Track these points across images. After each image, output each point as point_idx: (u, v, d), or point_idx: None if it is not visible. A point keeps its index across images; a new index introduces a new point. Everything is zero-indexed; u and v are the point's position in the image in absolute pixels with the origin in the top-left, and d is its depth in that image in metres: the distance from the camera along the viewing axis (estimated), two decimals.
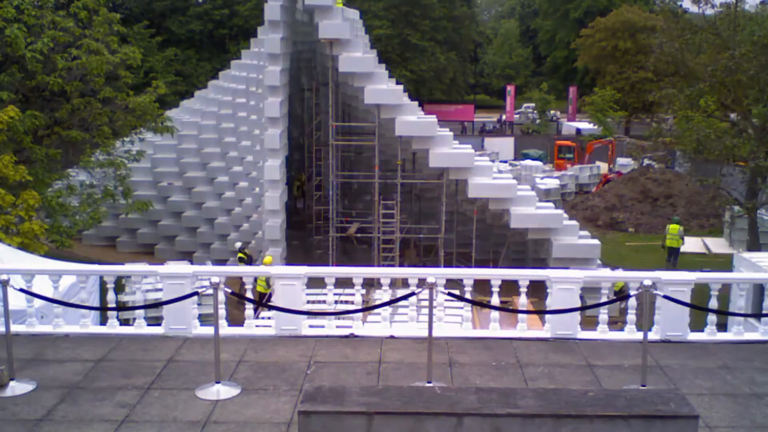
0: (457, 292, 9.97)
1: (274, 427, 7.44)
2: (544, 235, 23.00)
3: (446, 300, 10.74)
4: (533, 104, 71.41)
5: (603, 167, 45.95)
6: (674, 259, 26.35)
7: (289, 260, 25.31)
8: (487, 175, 23.57)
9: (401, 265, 24.30)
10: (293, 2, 24.62)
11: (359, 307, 9.92)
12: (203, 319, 10.33)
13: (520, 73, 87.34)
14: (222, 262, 27.55)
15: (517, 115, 70.54)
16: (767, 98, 24.49)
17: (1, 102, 18.35)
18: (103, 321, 10.73)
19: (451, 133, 24.86)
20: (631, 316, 10.11)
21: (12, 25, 18.77)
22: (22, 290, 9.19)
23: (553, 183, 39.64)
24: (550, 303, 9.85)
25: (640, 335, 9.94)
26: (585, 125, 59.05)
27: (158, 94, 22.71)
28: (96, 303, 12.51)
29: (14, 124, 17.16)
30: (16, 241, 14.92)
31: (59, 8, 21.32)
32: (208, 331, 9.48)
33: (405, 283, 10.45)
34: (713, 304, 9.92)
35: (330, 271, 10.35)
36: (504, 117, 68.38)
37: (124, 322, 11.07)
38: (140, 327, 10.02)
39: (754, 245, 26.30)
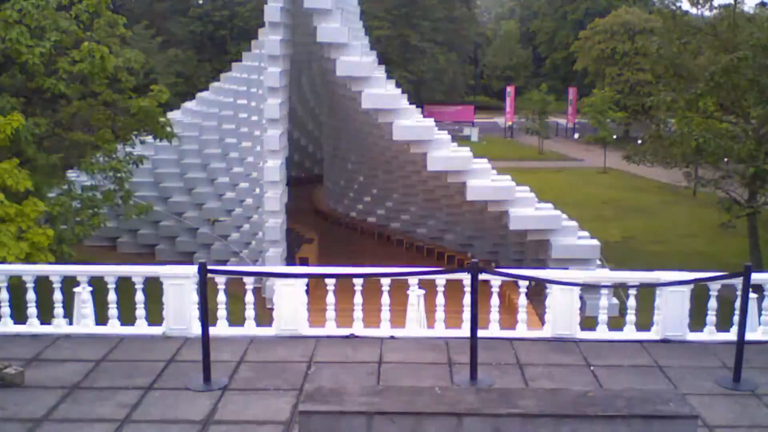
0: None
1: (275, 426, 7.45)
2: (543, 236, 22.99)
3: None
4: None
5: None
6: None
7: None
8: (485, 177, 23.46)
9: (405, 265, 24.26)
10: (293, 4, 24.60)
11: (359, 307, 9.96)
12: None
13: (519, 74, 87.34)
14: (222, 262, 27.54)
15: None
16: (766, 100, 24.45)
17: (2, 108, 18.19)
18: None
19: (449, 136, 24.73)
20: (631, 317, 10.13)
21: (13, 29, 18.54)
22: None
23: None
24: (550, 303, 9.88)
25: (639, 335, 9.98)
26: None
27: (159, 100, 22.31)
28: None
29: (19, 135, 16.94)
30: (24, 250, 14.78)
31: (61, 9, 21.14)
32: (210, 331, 9.48)
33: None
34: (712, 304, 9.94)
35: (330, 272, 10.36)
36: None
37: None
38: (141, 327, 10.04)
39: (754, 251, 26.16)
